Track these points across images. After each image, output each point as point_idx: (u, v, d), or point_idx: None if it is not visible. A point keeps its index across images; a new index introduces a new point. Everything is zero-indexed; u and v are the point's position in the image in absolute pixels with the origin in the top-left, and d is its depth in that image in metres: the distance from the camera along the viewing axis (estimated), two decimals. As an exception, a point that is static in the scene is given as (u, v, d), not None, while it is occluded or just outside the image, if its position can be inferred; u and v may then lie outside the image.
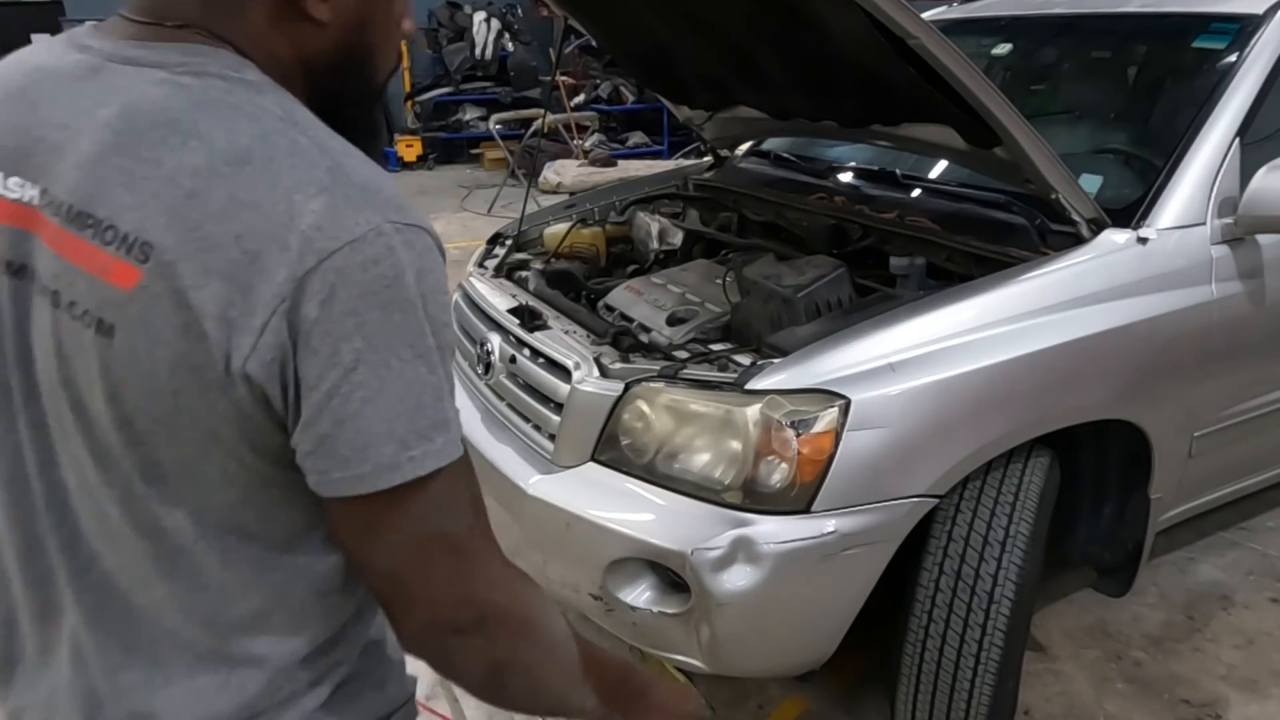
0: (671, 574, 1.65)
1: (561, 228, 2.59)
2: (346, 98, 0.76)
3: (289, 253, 0.62)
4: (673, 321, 1.99)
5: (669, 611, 1.67)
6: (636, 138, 9.56)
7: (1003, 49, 2.80)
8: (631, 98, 9.38)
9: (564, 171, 7.87)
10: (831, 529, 1.58)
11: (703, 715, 0.99)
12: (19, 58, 0.76)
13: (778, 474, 1.58)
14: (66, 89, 0.69)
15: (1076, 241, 1.87)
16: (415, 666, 0.82)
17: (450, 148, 9.78)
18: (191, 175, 0.63)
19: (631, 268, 2.54)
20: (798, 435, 1.56)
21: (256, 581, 0.72)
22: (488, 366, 2.08)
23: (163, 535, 0.70)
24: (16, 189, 0.69)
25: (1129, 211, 1.93)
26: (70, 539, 0.73)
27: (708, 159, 3.03)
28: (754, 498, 1.60)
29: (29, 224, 0.69)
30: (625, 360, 1.82)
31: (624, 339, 1.90)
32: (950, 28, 2.82)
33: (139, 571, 0.71)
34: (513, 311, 2.07)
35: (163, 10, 0.69)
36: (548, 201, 3.55)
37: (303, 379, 0.63)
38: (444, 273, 0.69)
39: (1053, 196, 1.83)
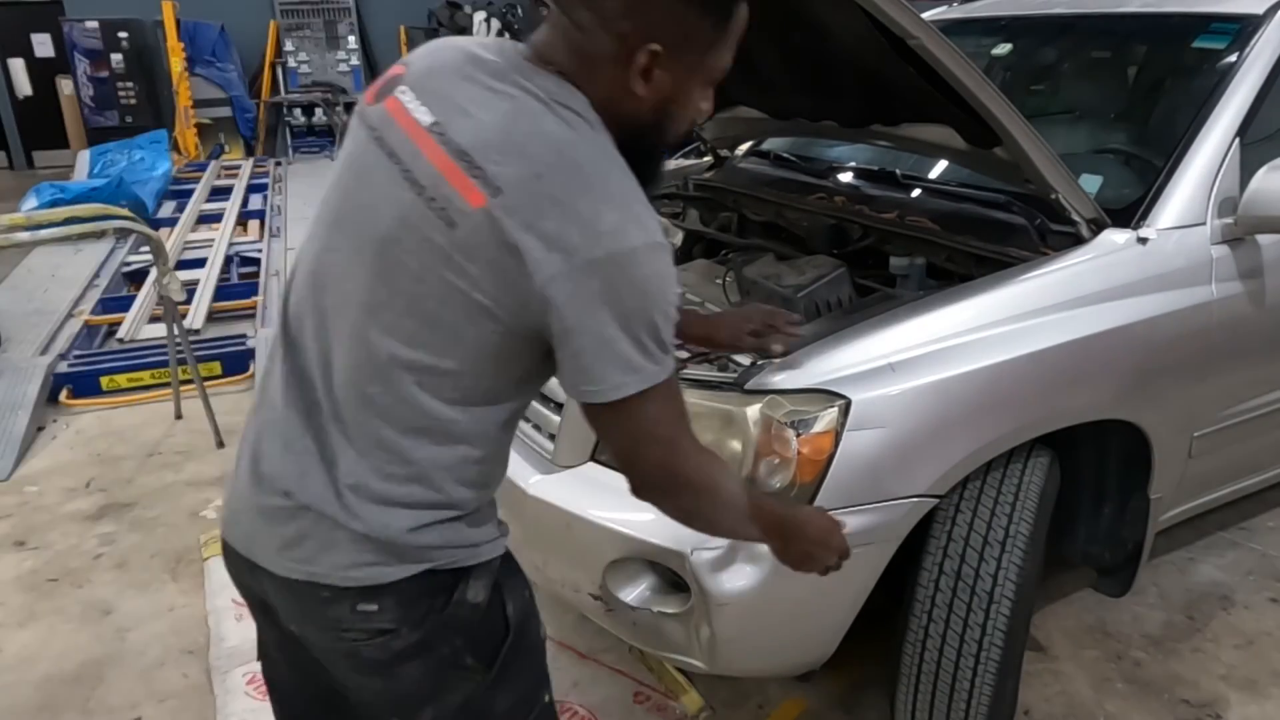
0: (671, 574, 1.65)
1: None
2: (641, 145, 1.08)
3: (585, 240, 0.95)
4: (673, 321, 1.99)
5: (669, 611, 1.67)
6: (637, 138, 9.54)
7: (1003, 49, 2.79)
8: (632, 98, 9.36)
9: (564, 171, 7.85)
10: (831, 529, 1.57)
11: (847, 548, 1.32)
12: (462, 43, 1.10)
13: (778, 474, 1.58)
14: (483, 81, 1.04)
15: (1076, 241, 1.87)
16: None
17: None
18: (542, 163, 0.97)
19: (631, 268, 2.53)
20: (798, 435, 1.56)
21: (431, 413, 1.04)
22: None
23: (378, 353, 1.02)
24: (422, 113, 1.04)
25: (1129, 211, 1.93)
26: (319, 329, 1.08)
27: (708, 159, 3.03)
28: (754, 498, 1.60)
29: (414, 134, 1.03)
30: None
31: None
32: (950, 28, 2.82)
33: (350, 375, 1.05)
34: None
35: (549, 58, 1.05)
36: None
37: (573, 319, 0.96)
38: (674, 277, 1.03)
39: (1053, 196, 1.83)
